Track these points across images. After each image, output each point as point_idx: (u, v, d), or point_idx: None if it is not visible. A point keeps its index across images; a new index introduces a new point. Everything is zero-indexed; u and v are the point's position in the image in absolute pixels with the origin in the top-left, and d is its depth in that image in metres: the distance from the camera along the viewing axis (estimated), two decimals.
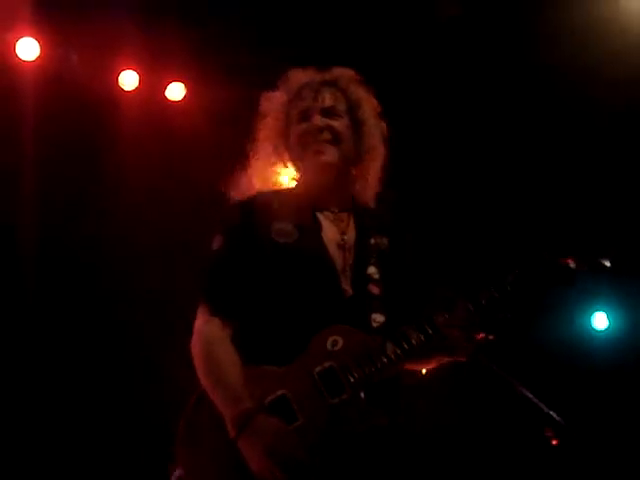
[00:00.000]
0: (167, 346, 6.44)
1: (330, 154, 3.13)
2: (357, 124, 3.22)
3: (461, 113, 7.03)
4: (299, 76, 3.32)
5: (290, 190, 3.23)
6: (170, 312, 6.80)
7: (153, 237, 6.86)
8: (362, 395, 2.82)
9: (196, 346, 2.98)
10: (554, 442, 3.97)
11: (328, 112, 3.19)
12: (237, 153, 7.07)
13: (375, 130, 3.24)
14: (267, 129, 3.33)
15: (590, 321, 7.98)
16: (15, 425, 6.58)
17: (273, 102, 3.34)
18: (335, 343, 2.87)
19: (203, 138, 6.94)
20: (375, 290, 3.02)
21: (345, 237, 3.12)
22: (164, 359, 6.41)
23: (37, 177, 6.62)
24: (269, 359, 2.90)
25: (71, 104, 6.67)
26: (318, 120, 3.16)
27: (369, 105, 3.26)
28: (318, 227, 3.11)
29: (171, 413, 3.03)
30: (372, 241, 3.12)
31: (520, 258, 3.10)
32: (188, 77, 6.98)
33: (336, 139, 3.15)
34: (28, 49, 6.39)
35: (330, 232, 3.12)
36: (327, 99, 3.20)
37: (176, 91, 6.99)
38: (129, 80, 6.81)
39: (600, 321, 8.00)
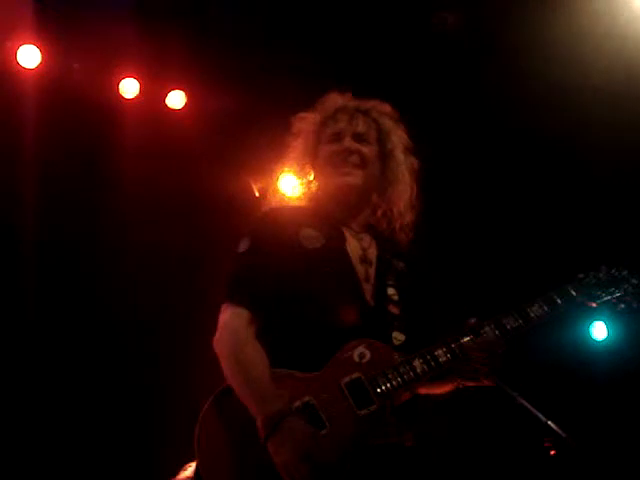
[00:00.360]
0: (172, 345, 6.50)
1: (356, 177, 3.22)
2: (385, 154, 3.32)
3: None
4: (336, 99, 3.41)
5: (314, 204, 3.30)
6: (167, 321, 6.83)
7: (153, 243, 6.86)
8: (389, 406, 2.84)
9: (222, 343, 2.98)
10: (552, 452, 3.98)
11: (359, 137, 3.28)
12: (237, 161, 7.22)
13: (401, 163, 3.33)
14: (297, 150, 3.41)
15: (589, 331, 7.98)
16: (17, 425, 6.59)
17: (305, 123, 3.42)
18: (363, 355, 2.91)
19: (203, 146, 6.97)
20: (395, 310, 3.09)
21: (367, 252, 3.18)
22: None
23: (38, 183, 6.63)
24: (293, 363, 2.92)
25: (72, 111, 6.69)
26: (349, 143, 3.25)
27: (399, 139, 3.35)
28: (343, 238, 3.18)
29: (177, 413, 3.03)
30: (391, 262, 3.21)
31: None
32: (189, 85, 7.01)
33: (363, 164, 3.24)
34: (29, 56, 6.40)
35: (353, 245, 3.18)
36: (360, 125, 3.30)
37: (176, 99, 7.01)
38: (130, 88, 6.83)
39: (599, 331, 8.01)
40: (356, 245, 3.18)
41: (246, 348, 2.95)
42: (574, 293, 3.18)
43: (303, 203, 3.35)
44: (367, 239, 3.23)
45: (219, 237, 6.28)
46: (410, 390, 3.02)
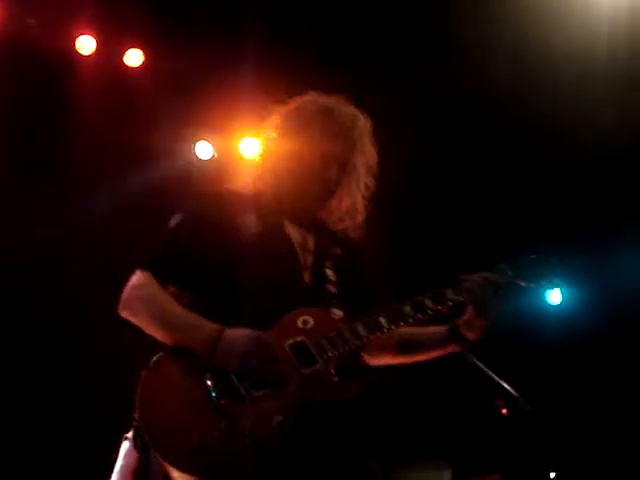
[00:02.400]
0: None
1: (321, 201, 3.19)
2: (348, 169, 3.21)
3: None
4: (312, 96, 3.28)
5: (259, 193, 3.20)
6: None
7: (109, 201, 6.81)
8: (332, 370, 2.86)
9: (134, 298, 2.94)
10: (504, 411, 4.02)
11: (342, 166, 3.17)
12: (195, 120, 7.17)
13: (360, 181, 3.24)
14: (290, 124, 3.24)
15: (545, 296, 8.06)
16: None
17: (275, 114, 3.30)
18: (306, 322, 2.92)
19: (160, 104, 6.90)
20: (332, 289, 3.10)
21: (307, 240, 3.18)
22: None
23: None
24: None
25: (29, 67, 6.59)
26: (330, 173, 3.14)
27: (365, 159, 3.24)
28: (283, 227, 3.16)
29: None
30: (329, 248, 3.21)
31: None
32: (146, 43, 6.93)
33: (330, 191, 3.19)
34: None
35: (293, 233, 3.17)
36: (334, 128, 3.16)
37: (134, 57, 6.94)
38: (86, 44, 6.75)
39: (554, 296, 8.09)
40: (296, 234, 3.17)
41: (161, 293, 2.93)
42: (509, 272, 3.22)
43: (246, 185, 3.25)
44: (306, 229, 3.21)
45: (172, 197, 6.22)
46: (357, 354, 3.05)
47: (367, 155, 3.26)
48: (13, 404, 6.74)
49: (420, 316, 3.04)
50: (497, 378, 3.60)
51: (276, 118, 3.27)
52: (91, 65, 6.81)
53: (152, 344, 2.91)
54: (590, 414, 7.43)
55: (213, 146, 7.43)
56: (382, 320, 2.98)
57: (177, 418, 2.72)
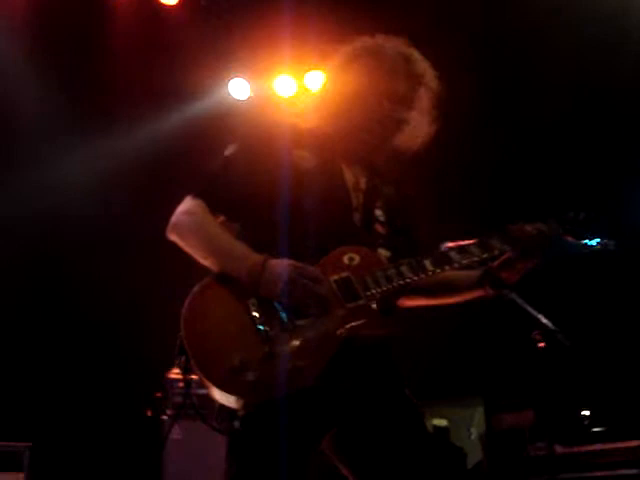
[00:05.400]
0: None
1: (378, 145, 3.16)
2: (413, 107, 3.17)
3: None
4: (398, 46, 3.21)
5: (316, 129, 3.18)
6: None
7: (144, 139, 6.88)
8: (374, 307, 2.89)
9: (182, 223, 2.98)
10: (541, 345, 4.05)
11: (401, 103, 3.14)
12: (230, 58, 7.15)
13: (425, 124, 3.21)
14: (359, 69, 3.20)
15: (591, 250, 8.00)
16: None
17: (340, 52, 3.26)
18: (352, 259, 2.95)
19: (195, 43, 6.89)
20: (381, 229, 3.12)
21: (359, 180, 3.17)
22: None
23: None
24: None
25: (65, 6, 6.61)
26: (392, 111, 3.12)
27: (429, 101, 3.20)
28: (338, 166, 3.15)
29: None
30: (381, 188, 3.21)
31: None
32: None
33: (393, 129, 3.16)
34: None
35: (346, 172, 3.16)
36: (401, 80, 3.13)
37: None
38: None
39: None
40: (349, 173, 3.17)
41: (211, 221, 2.96)
42: (559, 227, 3.23)
43: (302, 121, 3.21)
44: (359, 169, 3.19)
45: (212, 135, 6.24)
46: (399, 294, 3.06)
47: (432, 91, 3.23)
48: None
49: (465, 262, 3.06)
50: (535, 312, 3.60)
51: (338, 57, 3.25)
52: (127, 3, 6.79)
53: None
54: (626, 354, 7.43)
55: (249, 84, 7.43)
56: (427, 263, 3.00)
57: (220, 340, 2.77)
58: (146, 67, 6.80)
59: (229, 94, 7.43)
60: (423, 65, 3.22)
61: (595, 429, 6.56)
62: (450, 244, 3.11)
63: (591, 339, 6.79)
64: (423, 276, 2.99)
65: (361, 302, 2.88)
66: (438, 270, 3.02)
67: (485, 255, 3.09)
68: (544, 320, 3.66)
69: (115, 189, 7.05)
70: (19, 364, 7.06)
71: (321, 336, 2.80)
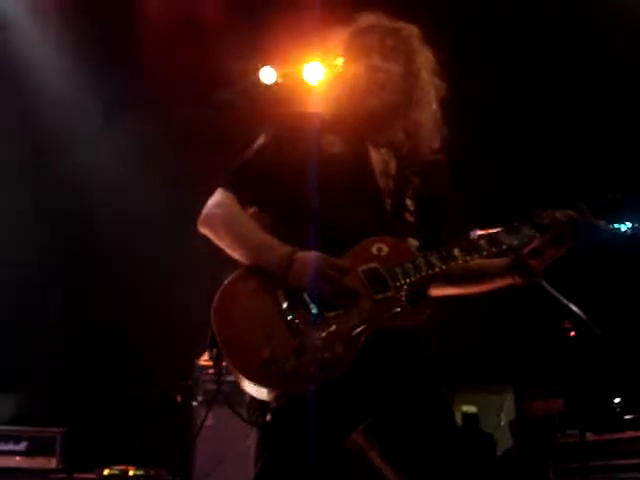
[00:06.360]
0: None
1: (379, 97, 3.15)
2: (411, 75, 3.22)
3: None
4: (368, 18, 3.29)
5: (339, 116, 3.20)
6: None
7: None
8: (404, 298, 2.88)
9: (212, 216, 3.00)
10: (572, 334, 4.03)
11: (387, 55, 3.19)
12: (259, 45, 7.15)
13: (428, 86, 3.24)
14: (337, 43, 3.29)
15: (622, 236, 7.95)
16: None
17: (336, 39, 3.30)
18: (380, 250, 2.94)
19: (225, 30, 6.91)
20: (411, 218, 3.10)
21: (388, 166, 3.16)
22: None
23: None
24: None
25: None
26: (376, 60, 3.17)
27: (426, 60, 3.25)
28: (366, 149, 3.15)
29: None
30: (410, 177, 3.18)
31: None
32: None
33: (389, 83, 3.17)
34: None
35: (375, 157, 3.16)
36: (389, 43, 3.21)
37: None
38: None
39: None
40: (377, 158, 3.16)
41: (241, 214, 2.99)
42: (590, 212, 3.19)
43: (324, 109, 3.24)
44: (387, 154, 3.18)
45: (240, 120, 6.25)
46: (428, 283, 3.03)
47: (427, 61, 3.25)
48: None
49: (494, 250, 3.04)
50: (566, 301, 3.58)
51: (334, 44, 3.29)
52: None
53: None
54: None
55: (276, 71, 7.43)
56: (456, 252, 2.98)
57: (251, 331, 2.78)
58: (175, 53, 6.82)
59: (260, 81, 7.44)
60: (413, 36, 3.25)
61: (626, 416, 6.53)
62: (480, 232, 3.10)
63: (622, 327, 6.75)
64: (453, 265, 2.97)
65: (389, 293, 2.87)
66: (468, 259, 3.00)
67: (515, 243, 3.06)
68: (575, 309, 3.63)
69: (146, 177, 7.08)
70: (51, 350, 7.14)
71: (350, 328, 2.80)
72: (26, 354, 7.04)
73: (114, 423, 7.20)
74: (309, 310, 2.80)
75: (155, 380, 6.97)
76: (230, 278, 2.90)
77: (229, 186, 3.04)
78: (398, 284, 2.89)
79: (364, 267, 2.90)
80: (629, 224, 3.27)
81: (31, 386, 6.93)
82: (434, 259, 2.95)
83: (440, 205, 3.27)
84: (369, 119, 3.17)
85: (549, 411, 6.87)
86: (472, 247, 3.02)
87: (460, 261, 2.99)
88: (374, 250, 2.95)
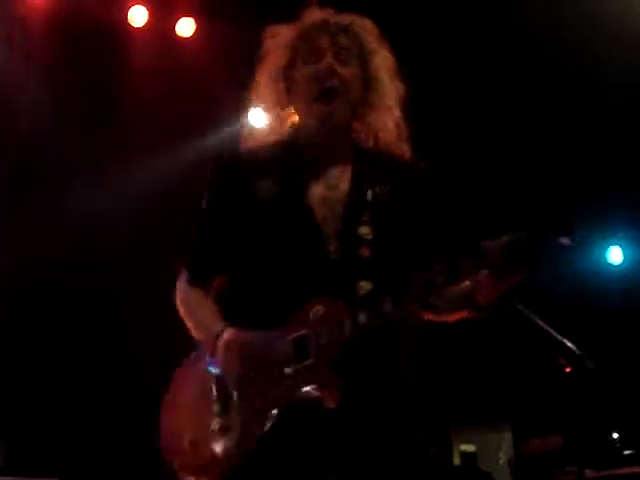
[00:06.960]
0: None
1: (334, 103, 2.86)
2: (368, 77, 2.96)
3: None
4: (315, 15, 2.99)
5: (283, 140, 2.97)
6: None
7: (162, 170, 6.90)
8: (326, 361, 2.68)
9: (178, 301, 2.96)
10: (568, 370, 3.98)
11: (340, 57, 2.90)
12: (247, 89, 7.14)
13: (386, 87, 2.98)
14: (268, 71, 3.02)
15: (605, 256, 7.98)
16: None
17: (278, 38, 3.02)
18: (317, 312, 2.75)
19: (212, 73, 6.91)
20: (365, 252, 2.83)
21: (337, 192, 2.88)
22: None
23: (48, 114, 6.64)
24: (257, 326, 2.78)
25: (81, 41, 6.67)
26: (329, 63, 2.88)
27: (383, 60, 2.99)
28: (306, 181, 2.88)
29: None
30: (369, 193, 2.90)
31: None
32: (198, 12, 6.96)
33: (343, 88, 2.88)
34: None
35: (315, 193, 2.87)
36: (342, 43, 2.92)
37: (186, 26, 6.97)
38: (138, 16, 6.79)
39: (615, 256, 8.00)
40: (318, 192, 2.87)
41: (190, 298, 2.93)
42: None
43: (270, 139, 3.01)
44: (342, 172, 2.91)
45: None
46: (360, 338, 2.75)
47: (385, 61, 2.99)
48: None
49: (429, 298, 2.72)
50: (559, 336, 3.55)
51: (277, 45, 3.01)
52: (143, 36, 6.85)
53: None
54: None
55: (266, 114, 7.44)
56: (386, 306, 2.69)
57: (180, 418, 2.82)
58: (162, 98, 6.83)
59: (248, 123, 7.44)
60: (366, 34, 2.99)
61: (625, 452, 6.48)
62: (418, 274, 2.71)
63: (618, 362, 6.73)
64: (380, 321, 2.71)
65: (309, 362, 2.70)
66: (399, 312, 2.72)
67: (453, 281, 2.70)
68: (569, 344, 3.61)
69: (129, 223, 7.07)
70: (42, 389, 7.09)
71: (269, 403, 2.72)
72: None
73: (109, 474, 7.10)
74: (229, 395, 2.78)
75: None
76: (184, 360, 2.92)
77: (186, 264, 2.98)
78: (319, 349, 2.70)
79: (295, 334, 2.74)
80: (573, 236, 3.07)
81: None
82: (362, 318, 2.70)
83: (409, 223, 2.95)
84: (324, 130, 2.90)
85: (547, 449, 6.82)
86: (405, 296, 2.70)
87: (391, 316, 2.71)
88: (311, 314, 2.76)
